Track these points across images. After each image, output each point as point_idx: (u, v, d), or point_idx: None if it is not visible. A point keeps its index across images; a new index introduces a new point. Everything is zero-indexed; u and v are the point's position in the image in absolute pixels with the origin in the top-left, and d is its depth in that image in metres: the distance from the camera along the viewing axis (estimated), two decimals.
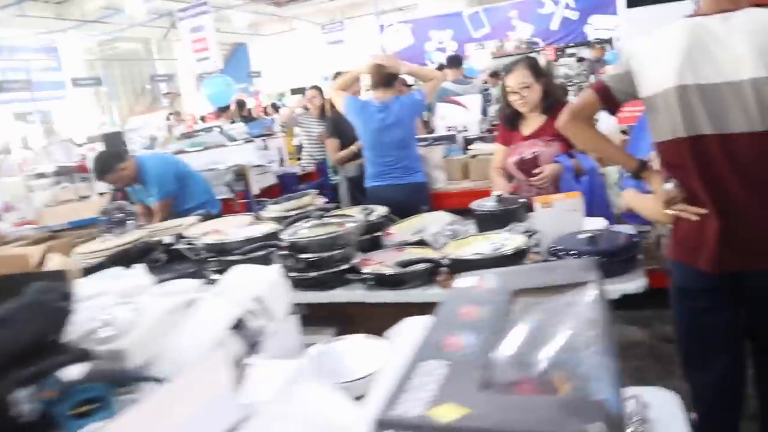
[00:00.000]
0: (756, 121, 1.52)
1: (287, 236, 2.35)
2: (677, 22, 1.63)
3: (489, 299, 0.99)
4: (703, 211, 1.61)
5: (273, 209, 2.93)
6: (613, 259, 1.91)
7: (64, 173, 5.04)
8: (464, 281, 1.13)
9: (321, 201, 2.98)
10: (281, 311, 1.46)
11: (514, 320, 0.92)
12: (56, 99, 16.27)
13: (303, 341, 1.58)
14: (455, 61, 6.15)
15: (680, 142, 1.60)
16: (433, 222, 2.58)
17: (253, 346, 1.31)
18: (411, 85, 3.82)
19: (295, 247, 2.32)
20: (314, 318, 2.68)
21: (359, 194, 4.03)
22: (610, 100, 1.76)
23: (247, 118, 7.37)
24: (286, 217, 2.78)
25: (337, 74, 4.12)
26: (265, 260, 2.40)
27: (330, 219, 2.52)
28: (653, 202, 1.78)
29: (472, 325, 0.92)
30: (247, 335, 1.30)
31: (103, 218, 2.94)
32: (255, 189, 4.39)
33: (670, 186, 1.69)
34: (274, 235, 2.44)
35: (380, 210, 2.78)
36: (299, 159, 5.58)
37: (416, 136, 4.85)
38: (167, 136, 5.80)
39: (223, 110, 8.10)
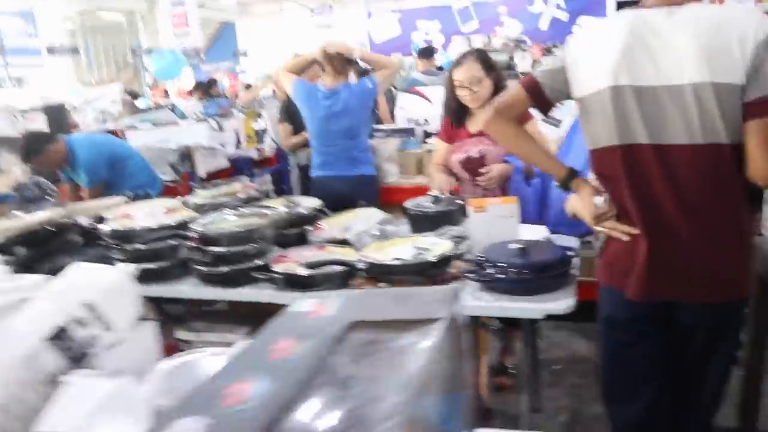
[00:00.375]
0: (696, 132, 1.33)
1: (198, 227, 2.14)
2: (620, 14, 1.44)
3: (316, 332, 0.80)
4: (634, 231, 1.43)
5: (201, 195, 2.72)
6: (541, 274, 1.72)
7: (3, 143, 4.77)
8: (302, 304, 0.94)
9: (252, 189, 2.76)
10: (125, 319, 1.25)
11: (332, 365, 0.73)
12: (32, 66, 15.80)
13: (156, 353, 1.37)
14: (427, 53, 5.93)
15: (613, 150, 1.41)
16: (363, 219, 2.39)
17: (78, 359, 1.11)
18: (367, 71, 3.60)
19: (205, 239, 2.11)
20: (235, 315, 2.48)
21: (310, 183, 3.82)
22: (540, 98, 1.56)
23: (217, 98, 7.12)
24: (212, 205, 2.58)
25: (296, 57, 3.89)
26: (172, 252, 2.20)
27: (251, 210, 2.31)
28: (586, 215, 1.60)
29: (276, 366, 0.72)
30: (69, 347, 1.09)
31: (13, 195, 2.73)
32: (202, 172, 4.16)
33: (601, 200, 1.50)
34: (184, 225, 2.23)
35: (311, 203, 2.58)
36: (261, 143, 5.35)
37: (374, 126, 4.66)
38: (121, 111, 5.55)
39: (200, 88, 7.84)
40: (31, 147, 3.44)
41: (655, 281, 1.41)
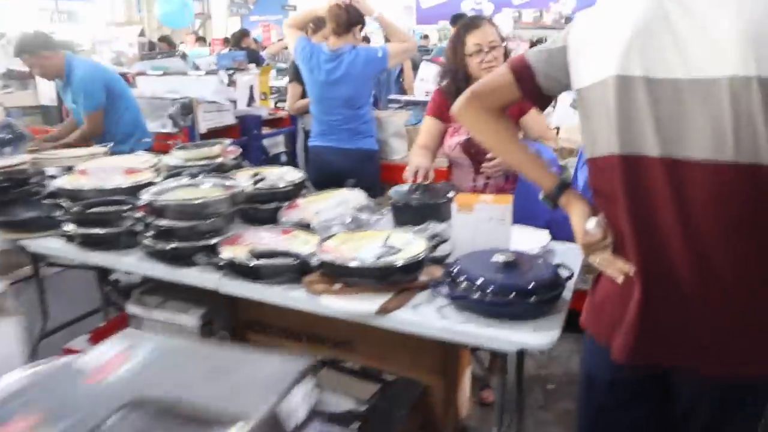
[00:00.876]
0: (728, 146, 0.98)
1: (148, 195, 1.88)
2: None
3: (72, 412, 0.53)
4: (630, 269, 1.11)
5: (176, 156, 2.46)
6: (520, 298, 1.42)
7: (15, 77, 4.60)
8: (95, 353, 0.69)
9: (233, 154, 2.49)
10: None
11: None
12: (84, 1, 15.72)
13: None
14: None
15: (612, 161, 1.08)
16: (341, 203, 2.09)
17: None
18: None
19: (152, 209, 1.85)
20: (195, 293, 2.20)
21: (307, 152, 3.54)
22: (530, 85, 1.22)
23: (247, 51, 6.82)
24: (181, 168, 2.32)
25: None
26: (119, 218, 1.96)
27: (214, 180, 2.04)
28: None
29: None
30: None
31: None
32: (203, 128, 3.91)
33: (593, 224, 1.18)
34: (136, 189, 1.97)
35: (292, 175, 2.30)
36: (281, 101, 5.07)
37: (392, 97, 4.34)
38: (135, 54, 5.32)
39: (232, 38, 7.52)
40: (24, 44, 3.32)
41: (646, 340, 1.09)
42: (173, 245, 1.82)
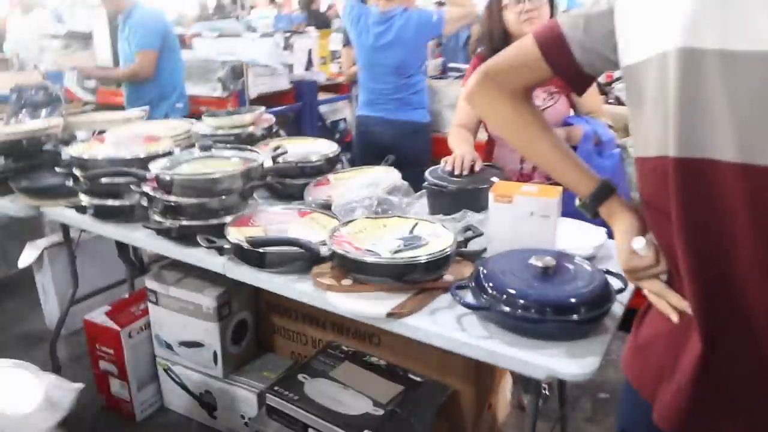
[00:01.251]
0: None
1: (156, 167, 1.73)
2: None
3: None
4: (686, 308, 0.84)
5: (206, 123, 2.31)
6: (557, 316, 1.17)
7: (77, 38, 4.60)
8: None
9: (267, 123, 2.32)
10: None
11: None
12: None
13: None
14: None
15: (665, 165, 0.79)
16: (373, 182, 1.88)
17: None
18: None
19: (160, 183, 1.70)
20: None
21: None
22: (561, 60, 0.95)
23: (312, 13, 6.63)
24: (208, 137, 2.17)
25: None
26: (127, 190, 1.82)
27: (233, 153, 1.87)
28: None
29: None
30: None
31: (9, 96, 2.43)
32: (253, 92, 3.76)
33: (642, 243, 0.91)
34: (152, 160, 1.82)
35: (325, 148, 2.11)
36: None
37: (452, 65, 4.04)
38: (193, 15, 5.22)
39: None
40: None
41: (702, 407, 0.82)
42: (180, 223, 1.66)
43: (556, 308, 1.16)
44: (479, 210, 1.66)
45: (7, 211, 2.19)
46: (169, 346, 2.18)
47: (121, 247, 2.35)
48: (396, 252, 1.39)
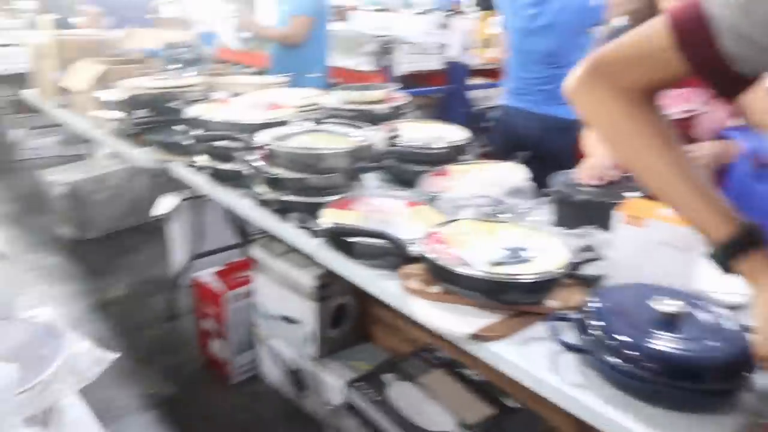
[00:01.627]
0: None
1: (264, 137, 1.66)
2: None
3: None
4: None
5: (335, 96, 2.23)
6: (675, 380, 0.93)
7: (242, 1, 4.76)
8: None
9: (397, 101, 2.20)
10: None
11: None
12: None
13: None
14: None
15: None
16: (494, 180, 1.69)
17: None
18: None
19: (266, 153, 1.64)
20: None
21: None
22: (703, 53, 0.71)
23: None
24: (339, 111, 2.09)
25: None
26: (236, 155, 1.78)
27: (346, 129, 1.77)
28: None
29: None
30: None
31: (158, 51, 2.52)
32: (401, 70, 3.65)
33: None
34: (266, 127, 1.77)
35: (453, 135, 1.94)
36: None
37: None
38: None
39: None
40: None
41: None
42: (280, 197, 1.59)
43: (675, 369, 0.92)
44: (608, 228, 1.41)
45: (140, 162, 2.27)
46: (268, 317, 2.15)
47: (230, 212, 2.35)
48: (495, 264, 1.20)
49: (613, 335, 0.98)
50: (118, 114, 2.32)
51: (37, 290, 2.97)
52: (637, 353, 0.94)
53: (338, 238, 1.39)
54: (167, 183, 3.16)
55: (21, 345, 0.85)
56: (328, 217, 1.45)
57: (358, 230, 1.37)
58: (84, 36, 3.12)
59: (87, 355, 0.86)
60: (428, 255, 1.23)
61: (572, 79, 0.88)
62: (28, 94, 3.38)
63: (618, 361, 0.96)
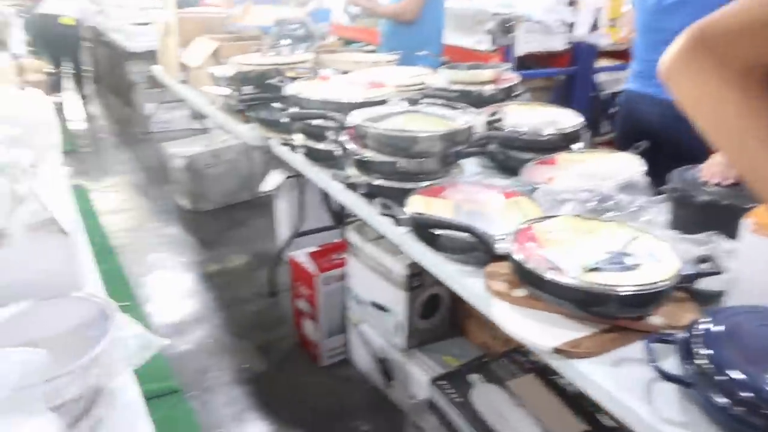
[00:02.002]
0: None
1: (355, 117, 1.59)
2: None
3: None
4: None
5: (442, 76, 2.13)
6: None
7: None
8: None
9: (508, 82, 2.06)
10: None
11: None
12: None
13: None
14: None
15: None
16: (604, 172, 1.52)
17: None
18: None
19: (356, 134, 1.57)
20: None
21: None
22: None
23: None
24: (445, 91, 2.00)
25: None
26: (322, 133, 1.72)
27: (445, 111, 1.66)
28: None
29: None
30: None
31: (268, 28, 2.52)
32: (521, 50, 3.44)
33: None
34: (363, 106, 1.70)
35: (565, 121, 1.78)
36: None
37: None
38: None
39: None
40: None
41: None
42: (370, 180, 1.52)
43: None
44: (733, 236, 1.22)
45: (245, 139, 2.29)
46: (359, 302, 2.11)
47: (325, 192, 2.33)
48: (590, 270, 1.06)
49: (723, 368, 0.82)
50: (227, 90, 2.36)
51: (154, 258, 3.13)
52: (752, 395, 0.78)
53: (422, 229, 1.30)
54: (276, 159, 3.21)
55: (71, 325, 0.84)
56: (413, 205, 1.36)
57: (440, 222, 1.27)
58: (203, 14, 3.21)
59: (135, 339, 0.84)
60: (515, 255, 1.10)
61: (669, 55, 0.73)
62: (157, 70, 3.55)
63: (726, 401, 0.80)
